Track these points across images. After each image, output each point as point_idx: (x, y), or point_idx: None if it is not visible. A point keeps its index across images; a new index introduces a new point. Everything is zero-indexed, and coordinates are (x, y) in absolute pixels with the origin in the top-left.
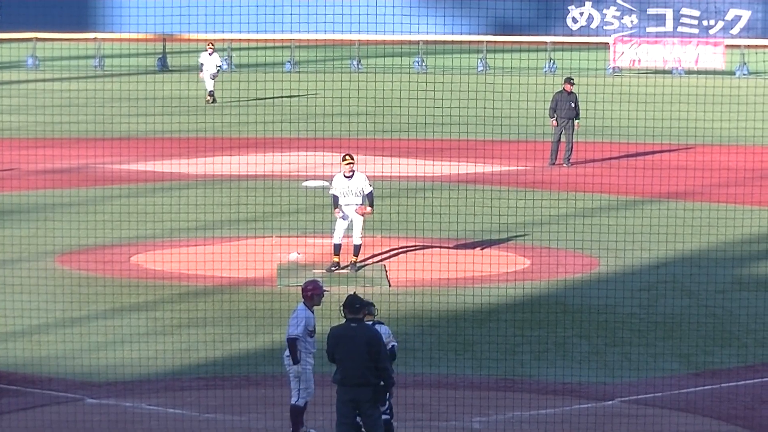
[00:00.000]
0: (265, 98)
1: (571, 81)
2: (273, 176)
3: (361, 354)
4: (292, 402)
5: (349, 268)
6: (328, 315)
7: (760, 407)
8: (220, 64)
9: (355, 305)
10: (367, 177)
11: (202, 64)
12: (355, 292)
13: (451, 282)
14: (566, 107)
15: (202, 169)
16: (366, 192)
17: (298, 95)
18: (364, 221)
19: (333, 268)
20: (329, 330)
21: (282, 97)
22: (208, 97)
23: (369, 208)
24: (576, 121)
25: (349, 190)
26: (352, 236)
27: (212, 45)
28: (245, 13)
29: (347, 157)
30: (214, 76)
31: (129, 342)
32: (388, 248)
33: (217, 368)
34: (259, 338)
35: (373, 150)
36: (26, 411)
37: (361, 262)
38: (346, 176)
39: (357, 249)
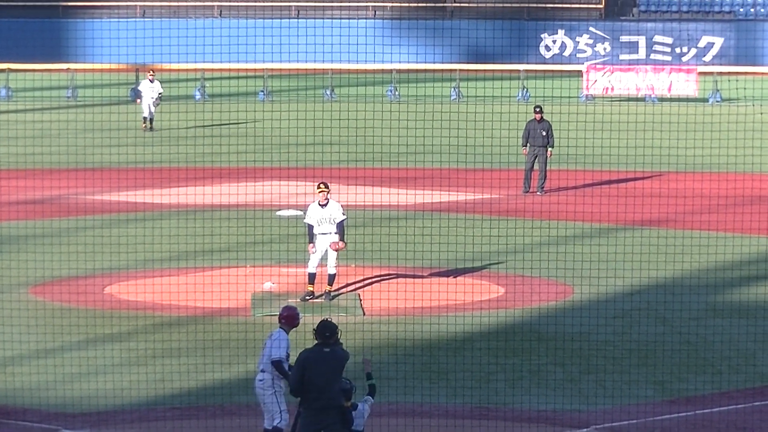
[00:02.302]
0: (238, 125)
1: (537, 110)
2: (246, 206)
3: (334, 377)
4: (275, 424)
5: (324, 297)
6: (302, 344)
7: None
8: (161, 91)
9: (325, 333)
10: (342, 206)
11: (140, 92)
12: (328, 318)
13: (426, 311)
14: (538, 135)
15: (175, 199)
16: (337, 221)
17: (272, 124)
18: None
19: (307, 297)
20: (299, 354)
21: (256, 124)
22: (144, 124)
23: (342, 243)
24: (549, 150)
25: (324, 219)
26: (326, 265)
27: (152, 73)
28: (218, 43)
29: (321, 186)
30: (156, 104)
31: (104, 373)
32: (362, 277)
33: (191, 398)
34: (234, 368)
35: (347, 179)
36: None
37: (335, 291)
38: (321, 204)
39: (331, 278)
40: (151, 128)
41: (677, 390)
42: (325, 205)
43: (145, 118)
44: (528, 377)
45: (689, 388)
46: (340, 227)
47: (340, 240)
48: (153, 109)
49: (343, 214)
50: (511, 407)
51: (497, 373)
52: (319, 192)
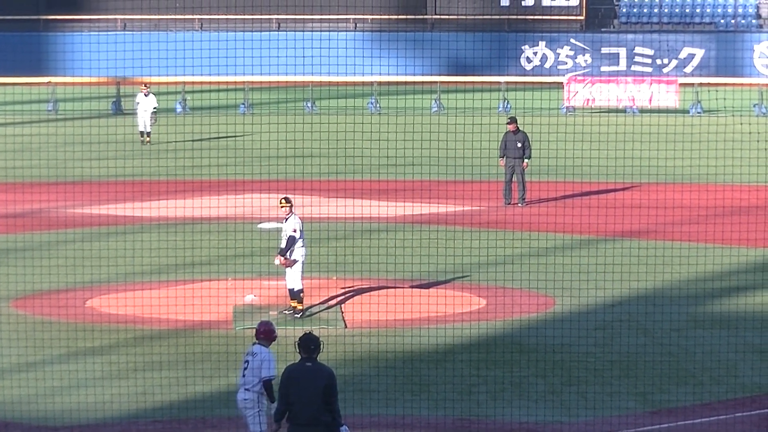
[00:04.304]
0: (219, 137)
1: (509, 121)
2: (228, 219)
3: (316, 393)
4: None
5: (288, 312)
6: (284, 357)
7: None
8: (156, 105)
9: (310, 346)
10: (300, 221)
11: (137, 103)
12: (311, 332)
13: (407, 323)
14: (513, 147)
15: (156, 212)
16: (287, 236)
17: (252, 137)
18: (302, 263)
19: (285, 312)
20: (284, 369)
21: (236, 137)
22: (142, 138)
23: (282, 258)
24: (525, 161)
25: (283, 234)
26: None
27: (147, 86)
28: (199, 56)
29: (282, 201)
30: (153, 117)
31: (85, 386)
32: (343, 290)
33: (173, 411)
34: (216, 381)
35: (328, 192)
36: None
37: (319, 303)
38: (285, 219)
39: (293, 293)
40: (149, 141)
41: (659, 401)
42: (286, 220)
43: (141, 132)
44: (510, 389)
45: (671, 400)
46: (288, 242)
47: (281, 254)
48: (149, 122)
49: (294, 231)
50: (493, 419)
51: (479, 385)
52: (281, 207)
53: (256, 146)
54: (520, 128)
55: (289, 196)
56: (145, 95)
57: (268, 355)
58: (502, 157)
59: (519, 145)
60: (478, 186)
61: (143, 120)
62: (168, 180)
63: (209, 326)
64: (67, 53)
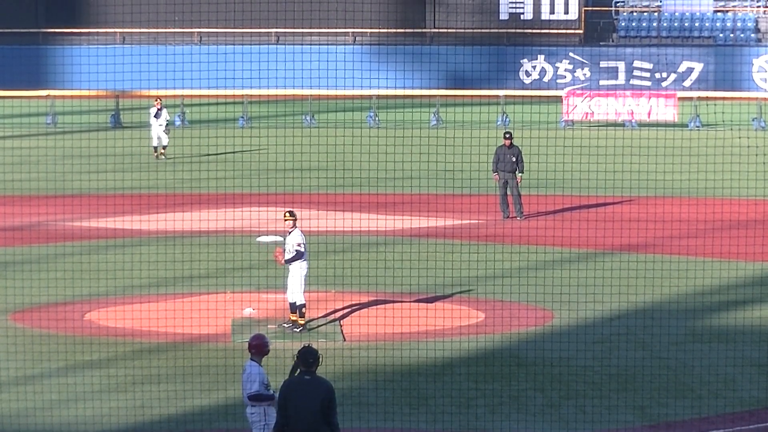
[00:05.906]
0: (218, 153)
1: (506, 135)
2: (226, 232)
3: (314, 407)
4: None
5: (287, 326)
6: (282, 370)
7: None
8: (168, 118)
9: (309, 359)
10: (303, 235)
11: (155, 116)
12: (309, 345)
13: (406, 336)
14: (507, 161)
15: (155, 225)
16: (294, 248)
17: (251, 150)
18: (304, 276)
19: (284, 325)
20: (282, 383)
21: (235, 152)
22: (155, 153)
23: (279, 255)
24: (519, 175)
25: (286, 248)
26: (306, 291)
27: (160, 101)
28: (198, 70)
29: (286, 214)
30: (166, 131)
31: (84, 399)
32: (342, 303)
33: (171, 425)
34: (214, 394)
35: (326, 205)
36: None
37: (318, 317)
38: (288, 232)
39: (292, 306)
40: (164, 154)
41: (657, 415)
42: (290, 233)
43: (155, 147)
44: (508, 402)
45: (669, 413)
46: (295, 255)
47: (285, 261)
48: (165, 136)
49: (299, 245)
50: None
51: (478, 399)
52: (285, 220)
53: (254, 159)
54: (515, 143)
55: (294, 210)
56: (159, 109)
57: (251, 368)
58: (496, 171)
59: (513, 159)
60: (477, 199)
61: (157, 134)
62: (167, 193)
63: (208, 339)
64: (66, 66)
